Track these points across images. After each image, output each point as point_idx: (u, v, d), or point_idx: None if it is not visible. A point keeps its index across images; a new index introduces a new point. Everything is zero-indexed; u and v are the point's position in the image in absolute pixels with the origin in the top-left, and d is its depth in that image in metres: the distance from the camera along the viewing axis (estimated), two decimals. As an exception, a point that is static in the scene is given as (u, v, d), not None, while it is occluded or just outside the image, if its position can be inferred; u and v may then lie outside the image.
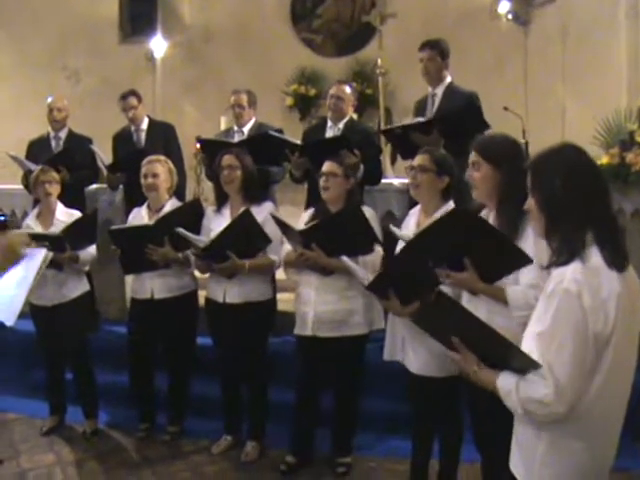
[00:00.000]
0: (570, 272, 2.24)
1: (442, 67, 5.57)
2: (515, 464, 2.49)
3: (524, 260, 3.14)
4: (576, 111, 8.50)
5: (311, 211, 4.79)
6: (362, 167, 5.28)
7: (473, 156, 3.39)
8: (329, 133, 5.70)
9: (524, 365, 2.29)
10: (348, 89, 5.74)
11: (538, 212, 2.39)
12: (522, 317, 2.95)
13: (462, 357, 2.49)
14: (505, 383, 2.36)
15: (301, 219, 4.77)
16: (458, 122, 5.08)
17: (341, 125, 5.68)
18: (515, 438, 2.51)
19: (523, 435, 2.45)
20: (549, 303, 2.27)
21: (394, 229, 4.08)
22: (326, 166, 4.62)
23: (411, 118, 5.79)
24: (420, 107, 5.72)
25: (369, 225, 4.37)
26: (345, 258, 4.20)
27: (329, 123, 5.75)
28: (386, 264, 4.22)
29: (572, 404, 2.25)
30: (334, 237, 4.36)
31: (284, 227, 4.61)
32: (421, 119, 5.19)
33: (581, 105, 8.47)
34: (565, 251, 2.28)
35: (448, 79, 5.61)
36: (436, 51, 5.53)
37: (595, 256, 2.27)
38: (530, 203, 2.42)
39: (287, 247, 4.73)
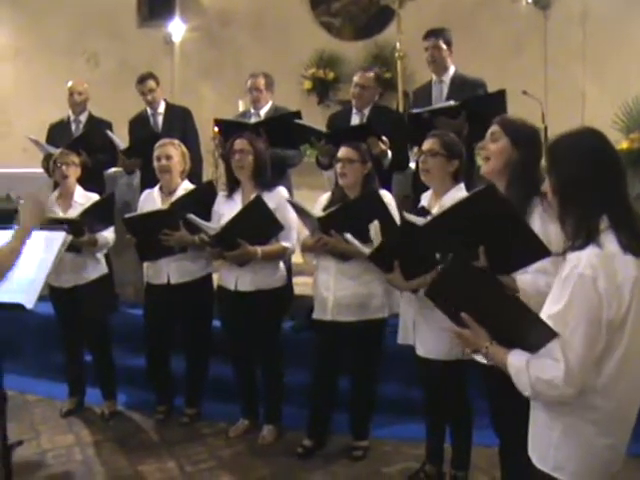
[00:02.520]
0: (586, 257, 2.24)
1: (447, 55, 5.62)
2: (531, 448, 2.50)
3: (543, 253, 3.01)
4: (596, 95, 8.44)
5: (328, 195, 4.77)
6: (390, 154, 5.27)
7: (493, 127, 3.35)
8: (354, 119, 5.69)
9: (540, 336, 2.28)
10: (372, 75, 5.71)
11: (552, 194, 2.38)
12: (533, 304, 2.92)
13: (473, 333, 2.47)
14: (516, 360, 2.35)
15: (318, 203, 4.74)
16: (485, 107, 5.07)
17: (367, 111, 5.65)
18: (531, 422, 2.51)
19: (538, 420, 2.45)
20: (564, 287, 2.26)
21: (408, 216, 4.03)
22: (342, 152, 4.59)
23: (412, 106, 5.79)
24: (423, 95, 5.72)
25: (387, 210, 4.36)
26: (348, 236, 4.20)
27: (354, 110, 5.72)
28: (387, 234, 4.15)
29: (580, 387, 2.25)
30: (352, 223, 4.35)
31: (301, 212, 4.60)
32: (451, 102, 5.16)
33: (601, 89, 8.41)
34: (581, 235, 2.28)
35: (453, 67, 5.65)
36: (441, 39, 5.58)
37: (610, 241, 2.26)
38: (546, 185, 2.41)
39: (305, 232, 4.73)
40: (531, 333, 2.34)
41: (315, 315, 4.75)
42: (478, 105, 5.13)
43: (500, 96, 5.12)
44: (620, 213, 2.30)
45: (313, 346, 4.84)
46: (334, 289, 4.60)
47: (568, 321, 2.23)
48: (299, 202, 4.68)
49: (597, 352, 2.24)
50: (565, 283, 2.26)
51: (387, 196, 4.56)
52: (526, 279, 3.12)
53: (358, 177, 4.57)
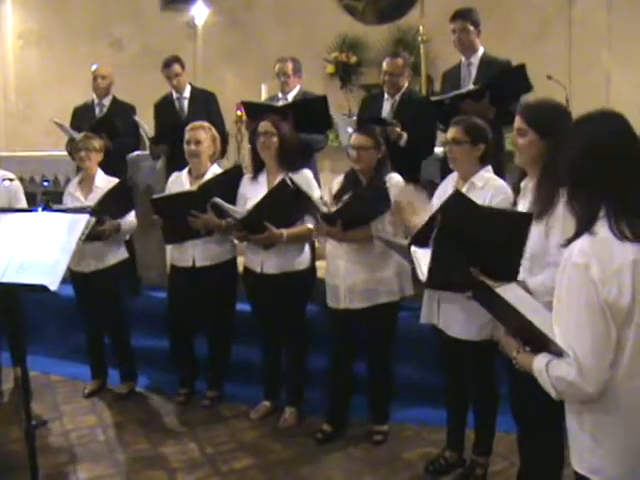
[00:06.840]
0: (578, 245, 2.19)
1: (475, 36, 5.50)
2: (570, 450, 2.43)
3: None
4: (621, 80, 8.35)
5: (340, 179, 4.75)
6: (405, 136, 5.27)
7: (518, 122, 3.31)
8: (385, 105, 5.69)
9: (558, 352, 2.26)
10: (400, 62, 5.68)
11: (563, 177, 2.35)
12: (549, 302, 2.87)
13: (504, 342, 2.49)
14: (538, 364, 2.32)
15: (332, 186, 4.74)
16: (506, 84, 5.02)
17: (397, 97, 5.65)
18: (567, 425, 2.43)
19: (571, 422, 2.38)
20: (561, 279, 2.22)
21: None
22: (356, 139, 4.58)
23: (440, 89, 5.75)
24: (453, 77, 5.63)
25: (390, 201, 4.37)
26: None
27: (385, 95, 5.72)
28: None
29: (601, 382, 2.18)
30: (356, 213, 4.46)
31: (306, 201, 4.61)
32: (471, 87, 5.10)
33: (627, 74, 8.32)
34: (580, 225, 2.24)
35: (481, 48, 5.55)
36: (468, 21, 5.45)
37: (602, 229, 2.19)
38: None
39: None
40: (550, 349, 2.33)
41: (328, 303, 4.77)
42: (500, 85, 5.05)
43: (520, 71, 5.04)
44: (620, 200, 2.21)
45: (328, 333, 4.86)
46: (344, 277, 4.61)
47: (571, 315, 2.18)
48: (308, 191, 4.67)
49: (612, 342, 2.16)
50: (561, 275, 2.23)
51: (395, 178, 4.56)
52: (536, 280, 3.14)
53: (371, 163, 4.57)
